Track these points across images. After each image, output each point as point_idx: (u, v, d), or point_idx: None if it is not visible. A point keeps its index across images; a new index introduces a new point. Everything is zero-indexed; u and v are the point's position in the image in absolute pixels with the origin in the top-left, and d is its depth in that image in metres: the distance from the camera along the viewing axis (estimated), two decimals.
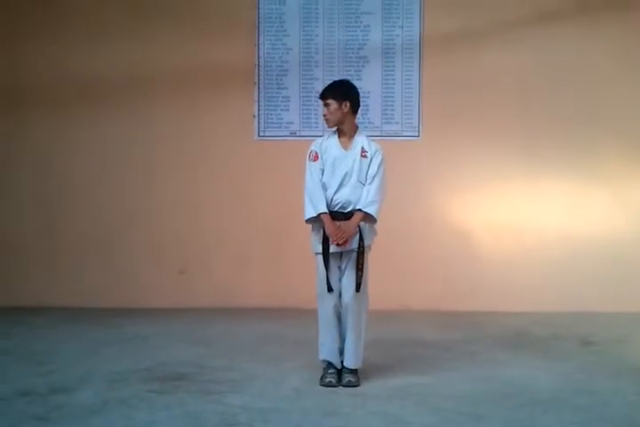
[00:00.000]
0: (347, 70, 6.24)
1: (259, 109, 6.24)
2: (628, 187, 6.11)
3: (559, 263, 6.01)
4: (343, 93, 3.62)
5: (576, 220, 6.09)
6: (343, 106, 3.59)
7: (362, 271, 3.55)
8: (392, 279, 6.01)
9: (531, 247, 6.07)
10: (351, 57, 6.25)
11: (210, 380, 3.66)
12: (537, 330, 5.17)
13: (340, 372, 3.61)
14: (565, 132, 6.09)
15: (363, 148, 3.61)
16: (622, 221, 6.09)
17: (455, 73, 6.13)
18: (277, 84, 6.27)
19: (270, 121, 6.23)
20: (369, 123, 6.19)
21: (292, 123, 6.20)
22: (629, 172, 6.11)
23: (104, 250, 6.24)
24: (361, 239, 3.57)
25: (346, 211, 3.58)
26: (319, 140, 3.72)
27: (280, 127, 6.22)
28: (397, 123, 6.19)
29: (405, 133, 6.18)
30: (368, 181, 3.59)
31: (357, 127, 3.72)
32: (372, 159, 3.61)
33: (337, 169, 3.59)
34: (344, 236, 3.50)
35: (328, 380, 3.56)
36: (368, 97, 6.19)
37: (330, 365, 3.63)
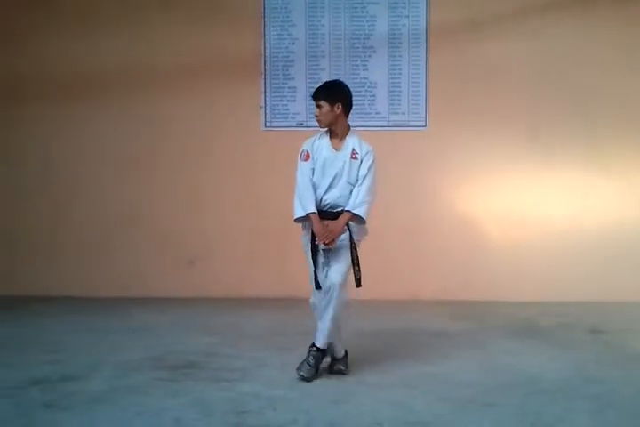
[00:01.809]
0: (353, 60, 6.22)
1: (265, 100, 6.23)
2: (637, 176, 6.08)
3: (567, 253, 6.00)
4: (335, 95, 3.59)
5: (584, 209, 6.07)
6: (335, 107, 3.56)
7: (358, 266, 3.54)
8: (400, 269, 6.03)
9: (539, 237, 6.05)
10: (357, 47, 6.22)
11: (219, 368, 3.68)
12: (545, 320, 5.17)
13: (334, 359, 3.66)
14: (574, 122, 6.06)
15: (354, 149, 3.59)
16: (630, 210, 6.06)
17: (462, 62, 6.10)
18: (284, 74, 6.25)
19: (277, 112, 6.23)
20: (376, 113, 6.18)
21: (298, 113, 6.18)
22: (638, 161, 6.07)
23: (114, 240, 6.25)
24: (351, 236, 3.56)
25: (335, 210, 3.58)
26: (311, 139, 3.70)
27: (287, 118, 6.21)
28: (404, 113, 6.17)
29: (412, 123, 6.16)
30: (358, 182, 3.58)
31: (350, 128, 3.69)
32: (362, 160, 3.59)
33: (327, 170, 3.58)
34: (330, 236, 3.50)
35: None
36: (375, 87, 6.18)
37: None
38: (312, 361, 3.53)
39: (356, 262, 3.54)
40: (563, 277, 5.95)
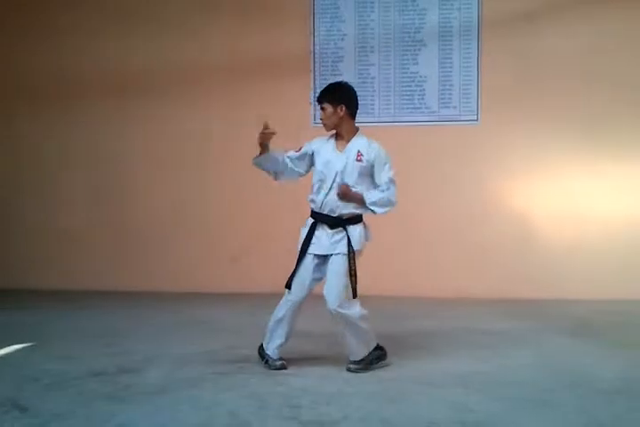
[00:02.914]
0: (403, 55, 6.17)
1: (314, 96, 6.23)
2: None
3: (623, 249, 5.83)
4: (338, 97, 3.54)
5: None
6: (339, 110, 3.52)
7: (355, 277, 3.46)
8: (451, 267, 5.97)
9: (593, 233, 5.90)
10: (407, 41, 6.17)
11: None
12: (602, 318, 5.04)
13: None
14: (629, 116, 5.89)
15: (359, 151, 3.52)
16: None
17: (515, 55, 5.98)
18: (332, 70, 6.25)
19: None
20: (425, 108, 6.12)
21: None
22: None
23: (162, 237, 6.40)
24: (349, 244, 3.48)
25: (334, 215, 3.52)
26: (317, 140, 3.65)
27: None
28: (455, 107, 6.09)
29: (463, 118, 6.07)
30: (384, 187, 3.52)
31: (357, 130, 3.63)
32: (374, 164, 3.52)
33: (328, 171, 3.52)
34: (343, 191, 3.46)
35: (280, 363, 3.60)
36: (425, 81, 6.12)
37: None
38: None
39: (352, 273, 3.46)
40: (619, 274, 5.79)
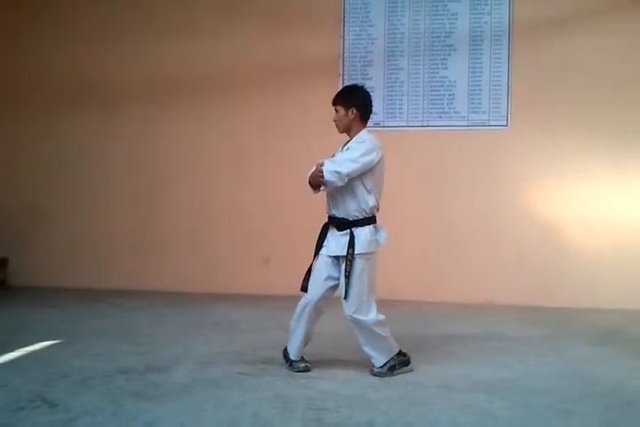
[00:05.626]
0: (432, 59, 6.16)
1: None
2: None
3: None
4: (350, 100, 3.56)
5: None
6: (350, 112, 3.54)
7: (348, 279, 3.42)
8: (477, 273, 5.94)
9: (625, 241, 5.82)
10: (437, 46, 6.17)
11: None
12: (630, 328, 4.97)
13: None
14: None
15: (346, 144, 3.54)
16: None
17: (546, 60, 5.94)
18: (362, 74, 6.27)
19: None
20: (455, 112, 6.10)
21: (375, 114, 6.09)
22: None
23: (194, 239, 6.49)
24: (350, 246, 3.44)
25: (338, 216, 3.52)
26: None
27: None
28: (485, 112, 6.06)
29: (493, 123, 6.04)
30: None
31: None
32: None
33: None
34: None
35: (303, 365, 3.61)
36: (454, 86, 6.11)
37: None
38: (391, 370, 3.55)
39: (346, 275, 3.43)
40: None
